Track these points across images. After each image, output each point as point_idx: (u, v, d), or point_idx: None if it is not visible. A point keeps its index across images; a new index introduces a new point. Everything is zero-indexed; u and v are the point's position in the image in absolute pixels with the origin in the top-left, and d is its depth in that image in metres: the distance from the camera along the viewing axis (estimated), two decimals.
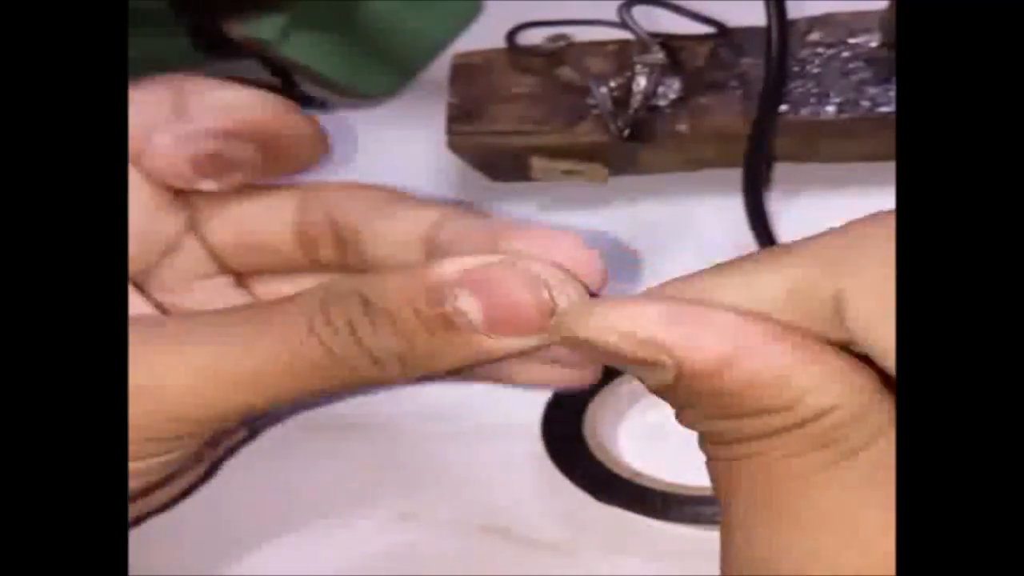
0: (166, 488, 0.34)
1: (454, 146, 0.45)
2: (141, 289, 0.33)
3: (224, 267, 0.35)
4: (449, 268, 0.27)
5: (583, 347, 0.24)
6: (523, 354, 0.27)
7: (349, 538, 0.36)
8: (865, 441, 0.23)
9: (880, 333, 0.22)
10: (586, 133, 0.43)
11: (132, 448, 0.28)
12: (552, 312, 0.26)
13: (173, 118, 0.32)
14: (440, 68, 0.49)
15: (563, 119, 0.44)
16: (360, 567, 0.36)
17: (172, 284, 0.34)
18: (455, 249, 0.30)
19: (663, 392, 0.24)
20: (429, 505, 0.37)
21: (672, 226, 0.44)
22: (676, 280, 0.25)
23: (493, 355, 0.27)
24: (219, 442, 0.35)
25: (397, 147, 0.49)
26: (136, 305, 0.32)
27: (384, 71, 0.51)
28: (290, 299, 0.29)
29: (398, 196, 0.33)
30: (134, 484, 0.30)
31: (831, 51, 0.44)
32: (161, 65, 0.50)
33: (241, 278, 0.36)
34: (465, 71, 0.46)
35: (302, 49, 0.49)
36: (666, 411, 0.38)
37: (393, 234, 0.32)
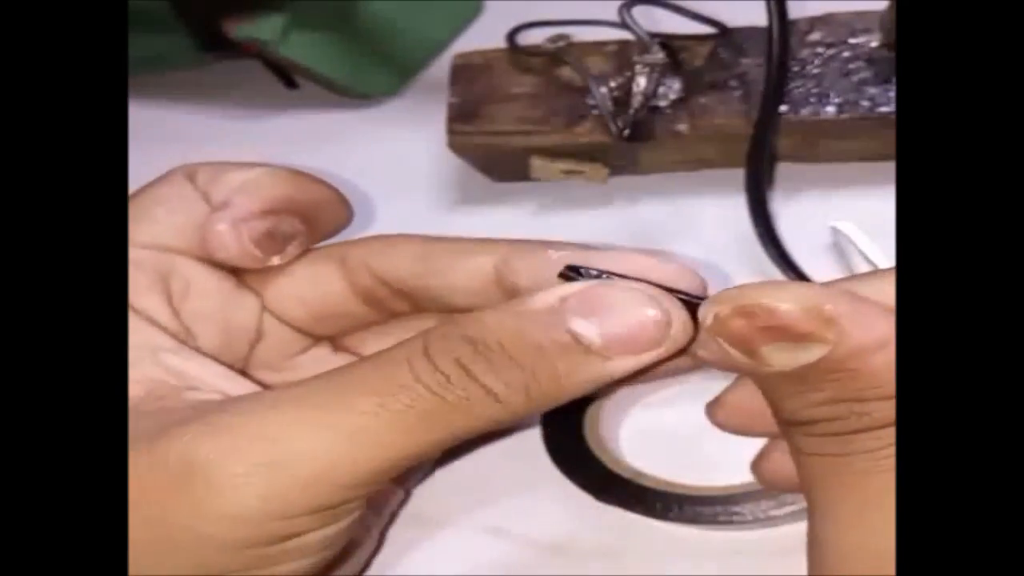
0: (348, 563, 0.33)
1: (454, 146, 0.45)
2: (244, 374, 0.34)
3: (315, 338, 0.36)
4: (550, 295, 0.27)
5: (732, 327, 0.24)
6: (641, 373, 0.27)
7: None
8: None
9: None
10: (586, 133, 0.43)
11: (287, 525, 0.27)
12: (668, 324, 0.26)
13: (205, 207, 0.33)
14: (440, 68, 0.49)
15: (563, 119, 0.44)
16: None
17: (274, 364, 0.35)
18: (539, 286, 0.29)
19: (788, 375, 0.24)
20: (429, 505, 0.37)
21: (672, 226, 0.44)
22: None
23: (614, 376, 0.26)
24: (380, 510, 0.36)
25: (397, 147, 0.49)
26: (240, 385, 0.31)
27: (384, 71, 0.51)
28: (387, 352, 0.28)
29: (448, 242, 0.33)
30: (309, 561, 0.29)
31: (831, 51, 0.44)
32: (161, 65, 0.51)
33: (338, 341, 0.36)
34: (465, 71, 0.46)
35: (302, 49, 0.49)
36: (666, 411, 0.38)
37: (465, 281, 0.32)
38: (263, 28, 0.48)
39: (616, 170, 0.45)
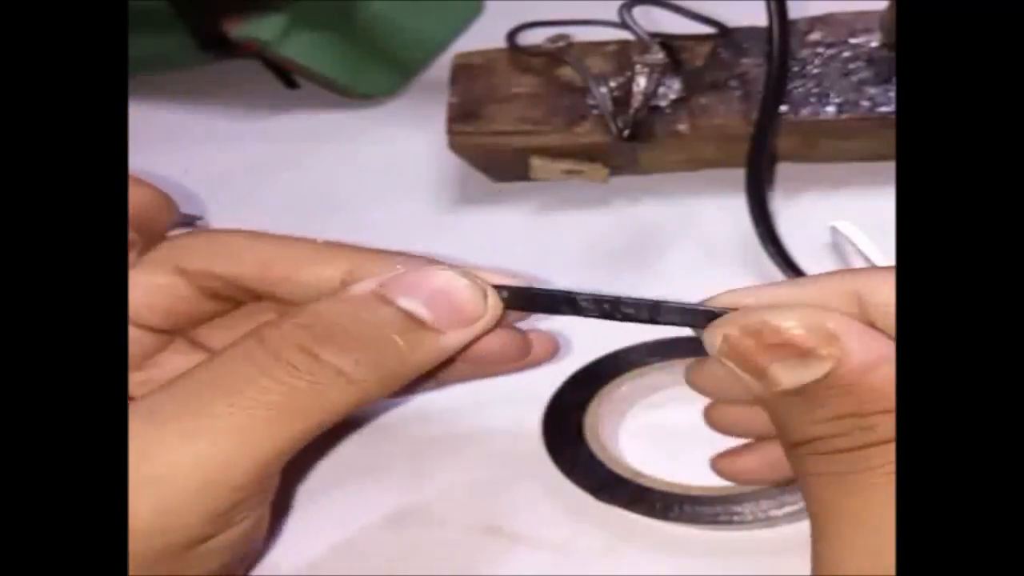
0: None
1: (454, 146, 0.45)
2: None
3: (171, 333, 0.35)
4: (370, 282, 0.29)
5: (742, 346, 0.26)
6: (470, 346, 0.30)
7: (349, 538, 0.36)
8: None
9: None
10: (586, 133, 0.43)
11: (185, 534, 0.28)
12: (484, 295, 0.29)
13: None
14: (440, 68, 0.49)
15: (563, 119, 0.44)
16: (360, 567, 0.36)
17: (136, 364, 0.34)
18: None
19: (795, 393, 0.25)
20: (430, 505, 0.37)
21: (672, 226, 0.44)
22: (761, 286, 0.28)
23: (449, 350, 0.29)
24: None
25: (397, 147, 0.49)
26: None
27: (384, 71, 0.51)
28: (229, 351, 0.29)
29: (291, 247, 0.33)
30: (217, 565, 0.30)
31: (831, 51, 0.44)
32: (161, 65, 0.51)
33: (189, 334, 0.36)
34: (465, 71, 0.46)
35: (302, 49, 0.49)
36: (666, 411, 0.38)
37: (311, 289, 0.32)
38: (263, 28, 0.48)
39: (616, 170, 0.45)
